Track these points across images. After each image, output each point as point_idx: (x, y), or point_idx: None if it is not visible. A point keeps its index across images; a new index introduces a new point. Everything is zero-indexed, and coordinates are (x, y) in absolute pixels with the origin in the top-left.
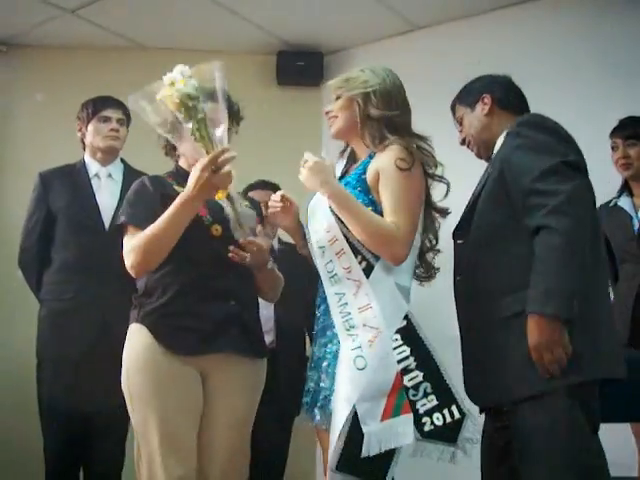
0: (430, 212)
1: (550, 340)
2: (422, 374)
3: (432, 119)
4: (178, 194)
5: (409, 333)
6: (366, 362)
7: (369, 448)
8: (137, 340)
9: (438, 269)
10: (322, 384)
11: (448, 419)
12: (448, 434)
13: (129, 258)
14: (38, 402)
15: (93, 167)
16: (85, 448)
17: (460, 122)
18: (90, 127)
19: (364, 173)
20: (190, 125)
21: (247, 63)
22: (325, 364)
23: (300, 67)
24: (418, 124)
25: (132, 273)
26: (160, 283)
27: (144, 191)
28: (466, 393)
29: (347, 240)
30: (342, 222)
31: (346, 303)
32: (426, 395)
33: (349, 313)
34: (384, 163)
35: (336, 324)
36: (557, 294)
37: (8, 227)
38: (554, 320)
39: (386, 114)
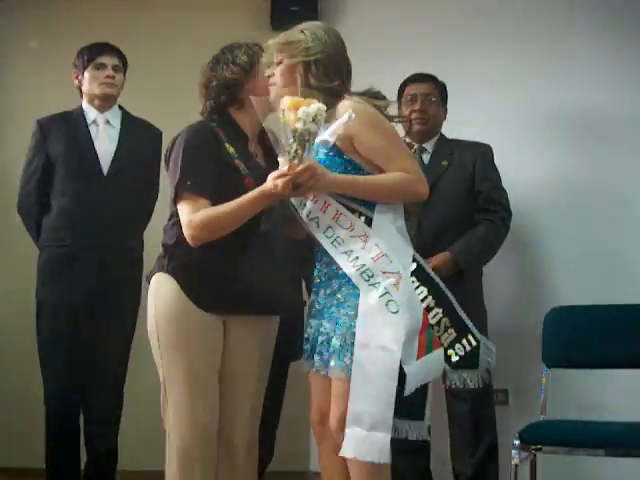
0: None
1: None
2: (441, 310)
3: (434, 64)
4: (232, 158)
5: (421, 273)
6: (398, 305)
7: (410, 387)
8: (166, 290)
9: None
10: (322, 329)
11: (467, 348)
12: (470, 361)
13: (191, 230)
14: (38, 348)
15: (91, 114)
16: (84, 393)
17: (428, 100)
18: (86, 74)
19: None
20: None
21: (241, 7)
22: (331, 311)
23: (294, 12)
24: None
25: (191, 243)
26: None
27: (203, 152)
28: None
29: (338, 201)
30: None
31: (357, 257)
32: (446, 329)
33: (364, 265)
34: (348, 126)
35: (353, 278)
36: None
37: (6, 175)
38: None
39: (326, 85)
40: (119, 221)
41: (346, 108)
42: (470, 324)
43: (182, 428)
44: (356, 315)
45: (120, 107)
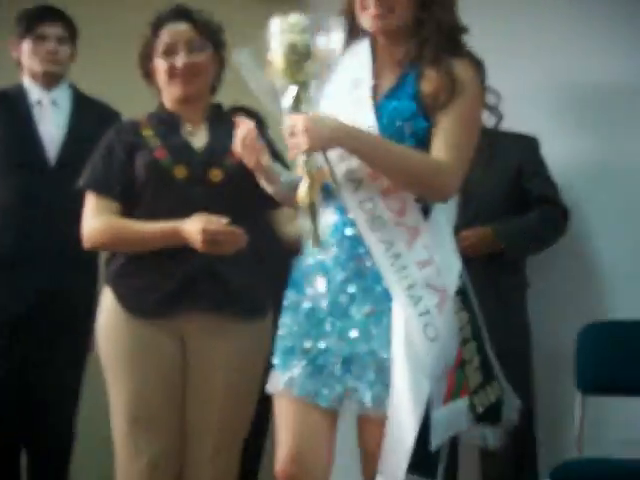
0: None
1: None
2: (475, 345)
3: None
4: (148, 147)
5: (465, 295)
6: (437, 331)
7: (437, 439)
8: (104, 304)
9: None
10: (347, 340)
11: (491, 397)
12: (493, 414)
13: (90, 235)
14: None
15: (34, 93)
16: (27, 426)
17: None
18: (25, 47)
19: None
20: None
21: None
22: (363, 320)
23: None
24: None
25: (85, 246)
26: None
27: (110, 149)
28: None
29: None
30: None
31: (399, 254)
32: (475, 370)
33: (405, 268)
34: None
35: (387, 279)
36: None
37: None
38: None
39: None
40: (69, 220)
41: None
42: (497, 367)
43: (127, 469)
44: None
45: (70, 84)
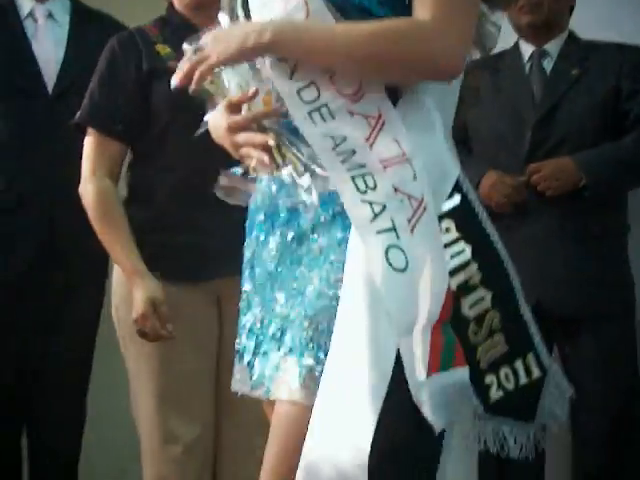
0: None
1: None
2: (490, 295)
3: None
4: (164, 63)
5: (468, 219)
6: (407, 259)
7: (439, 416)
8: None
9: None
10: (277, 309)
11: (523, 379)
12: (522, 405)
13: (83, 200)
14: None
15: (25, 4)
16: (28, 407)
17: None
18: None
19: None
20: None
21: None
22: (293, 275)
23: None
24: None
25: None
26: (145, 183)
27: (113, 70)
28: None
29: None
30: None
31: (353, 150)
32: (492, 334)
33: (361, 166)
34: None
35: (334, 179)
36: None
37: None
38: None
39: None
40: (73, 157)
41: None
42: (538, 335)
43: (159, 457)
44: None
45: None
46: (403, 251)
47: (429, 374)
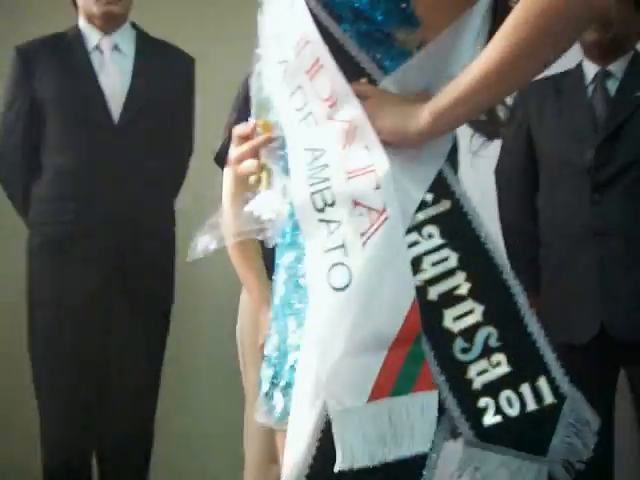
0: None
1: None
2: (482, 309)
3: None
4: None
5: (458, 225)
6: (351, 275)
7: (351, 454)
8: None
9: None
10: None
11: (531, 405)
12: (528, 435)
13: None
14: (32, 366)
15: (92, 37)
16: (99, 431)
17: None
18: None
19: None
20: None
21: None
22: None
23: None
24: None
25: None
26: None
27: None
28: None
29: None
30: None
31: (326, 165)
32: (488, 352)
33: (326, 180)
34: None
35: (297, 203)
36: None
37: None
38: None
39: None
40: (139, 186)
41: None
42: (553, 358)
43: (260, 471)
44: None
45: (134, 25)
46: (348, 268)
47: (372, 399)
